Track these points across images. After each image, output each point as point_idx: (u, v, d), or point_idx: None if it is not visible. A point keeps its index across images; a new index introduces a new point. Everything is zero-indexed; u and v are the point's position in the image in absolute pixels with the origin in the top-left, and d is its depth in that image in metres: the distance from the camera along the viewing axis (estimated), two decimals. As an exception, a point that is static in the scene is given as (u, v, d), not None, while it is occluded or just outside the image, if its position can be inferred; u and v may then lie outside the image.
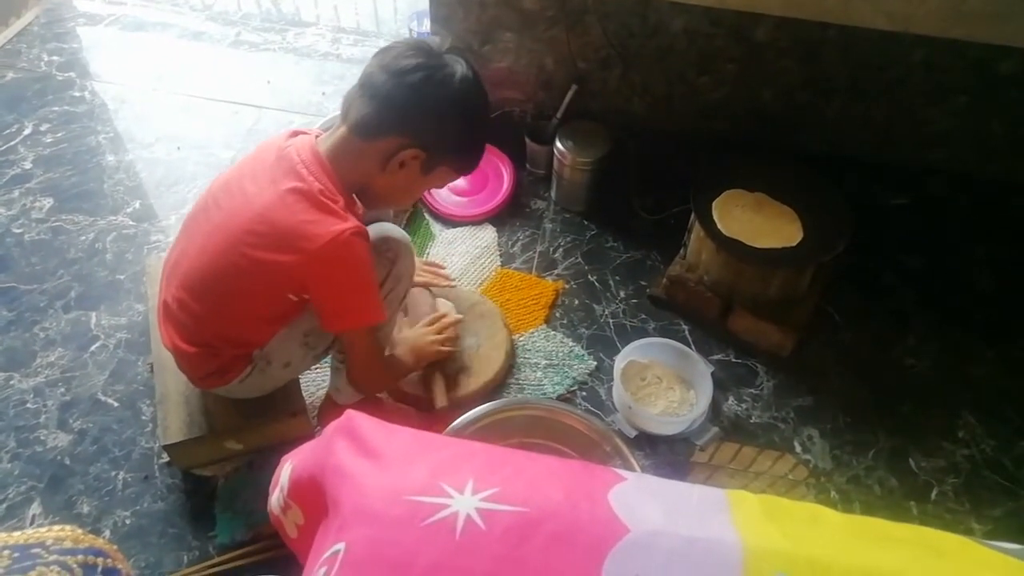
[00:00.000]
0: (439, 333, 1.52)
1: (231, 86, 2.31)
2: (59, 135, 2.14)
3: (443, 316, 1.57)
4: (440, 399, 1.50)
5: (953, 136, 1.74)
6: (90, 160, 2.07)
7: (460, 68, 1.15)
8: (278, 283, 1.16)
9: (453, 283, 1.77)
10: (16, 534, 0.71)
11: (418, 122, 1.14)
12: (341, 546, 0.64)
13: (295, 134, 1.22)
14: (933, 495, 1.45)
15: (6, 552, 0.67)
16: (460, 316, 1.60)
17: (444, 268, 1.80)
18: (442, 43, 1.18)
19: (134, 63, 2.40)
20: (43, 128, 2.15)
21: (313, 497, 0.75)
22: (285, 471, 0.83)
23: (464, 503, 0.66)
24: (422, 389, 1.54)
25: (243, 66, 2.41)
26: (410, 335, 1.51)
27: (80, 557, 0.71)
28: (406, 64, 1.12)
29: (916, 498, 1.45)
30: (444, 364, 1.56)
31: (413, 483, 0.68)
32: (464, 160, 1.26)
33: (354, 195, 1.22)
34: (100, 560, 0.73)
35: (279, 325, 1.26)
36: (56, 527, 0.73)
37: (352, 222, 1.13)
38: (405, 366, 1.46)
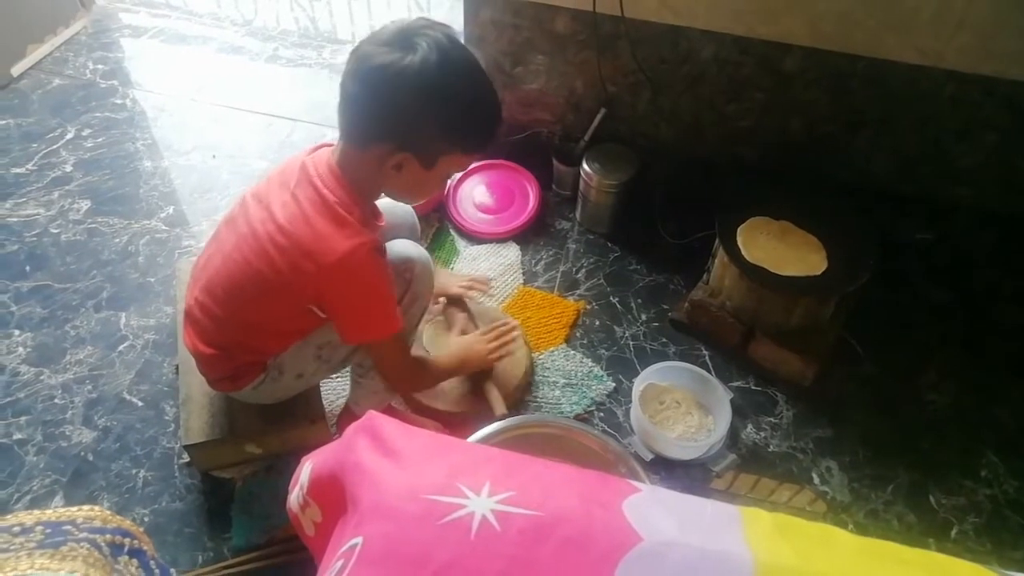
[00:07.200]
0: (494, 341, 1.50)
1: (266, 99, 2.37)
2: (99, 140, 2.20)
3: (503, 324, 1.54)
4: (498, 407, 1.47)
5: (981, 172, 1.73)
6: (128, 165, 2.13)
7: (421, 51, 1.02)
8: (299, 296, 1.16)
9: (487, 287, 1.72)
10: (48, 511, 0.73)
11: (389, 125, 1.08)
12: (359, 541, 0.65)
13: (318, 148, 1.21)
14: (953, 533, 1.43)
15: (39, 528, 0.69)
16: (516, 323, 1.59)
17: (487, 284, 1.73)
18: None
19: (174, 74, 2.47)
20: (85, 133, 2.22)
21: (332, 494, 0.76)
22: (305, 469, 0.84)
23: (480, 504, 0.67)
24: (462, 403, 1.54)
25: (279, 80, 2.47)
26: (463, 340, 1.51)
27: (108, 536, 0.73)
28: (366, 66, 1.05)
29: (935, 535, 1.43)
30: (489, 374, 1.55)
31: (431, 482, 0.69)
32: (465, 142, 1.14)
33: (376, 202, 1.22)
34: (127, 540, 0.75)
35: (298, 337, 1.27)
36: (86, 507, 0.75)
37: (365, 236, 1.11)
38: (445, 371, 1.44)
